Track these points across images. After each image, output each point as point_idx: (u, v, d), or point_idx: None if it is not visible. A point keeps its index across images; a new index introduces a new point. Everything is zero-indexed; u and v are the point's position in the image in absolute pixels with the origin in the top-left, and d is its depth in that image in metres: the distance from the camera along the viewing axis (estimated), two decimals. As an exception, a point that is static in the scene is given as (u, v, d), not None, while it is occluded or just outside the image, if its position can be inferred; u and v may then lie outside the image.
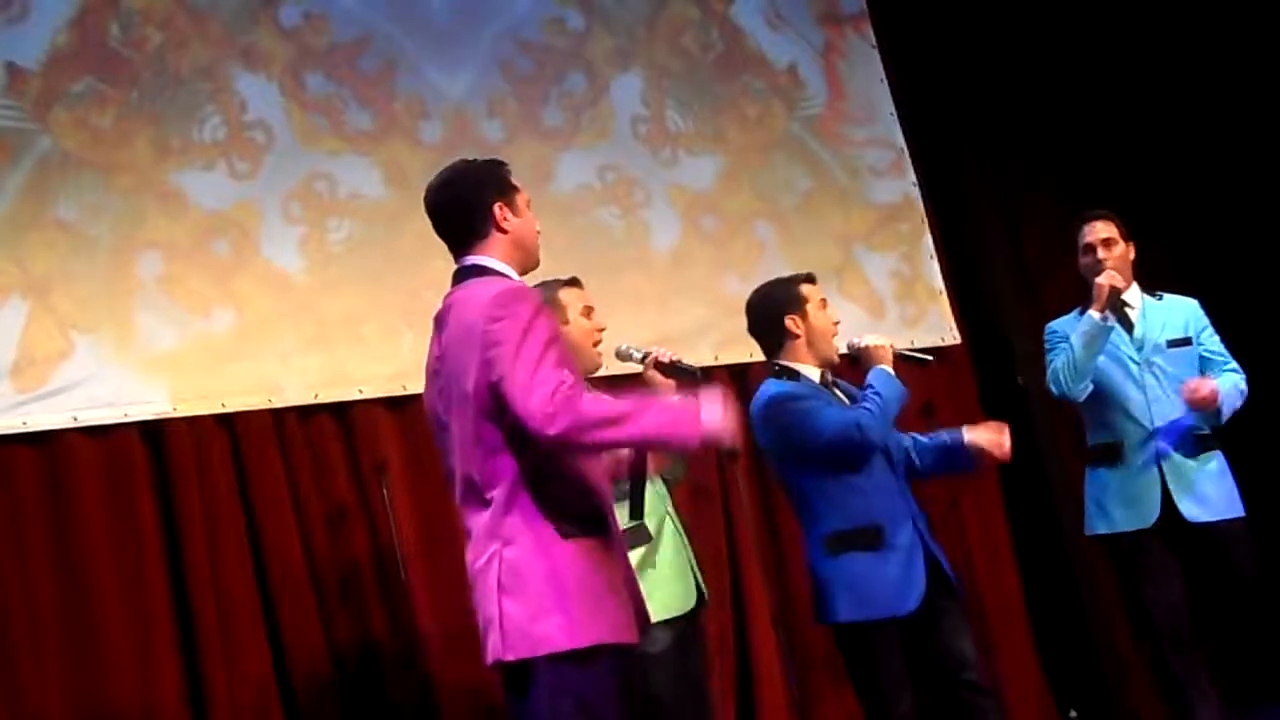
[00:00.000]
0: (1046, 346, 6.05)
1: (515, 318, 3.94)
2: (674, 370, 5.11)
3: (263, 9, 6.63)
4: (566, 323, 5.02)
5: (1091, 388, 5.90)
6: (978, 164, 7.97)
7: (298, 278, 6.39)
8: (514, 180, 4.27)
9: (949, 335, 7.70)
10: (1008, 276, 7.81)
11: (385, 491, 6.16)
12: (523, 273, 4.25)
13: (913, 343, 7.27)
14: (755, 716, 6.75)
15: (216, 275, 6.25)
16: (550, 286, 5.11)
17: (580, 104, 7.18)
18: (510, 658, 3.90)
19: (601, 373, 5.30)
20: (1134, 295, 6.03)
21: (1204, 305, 6.12)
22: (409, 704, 6.10)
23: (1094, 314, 5.82)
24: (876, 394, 5.20)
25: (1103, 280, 5.83)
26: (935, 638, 5.30)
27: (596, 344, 5.17)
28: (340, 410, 6.34)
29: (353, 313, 6.44)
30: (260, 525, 6.09)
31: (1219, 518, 5.82)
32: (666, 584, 5.12)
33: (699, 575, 5.33)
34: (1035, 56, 8.17)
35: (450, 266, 4.25)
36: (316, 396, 6.29)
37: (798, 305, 5.36)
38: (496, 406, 3.93)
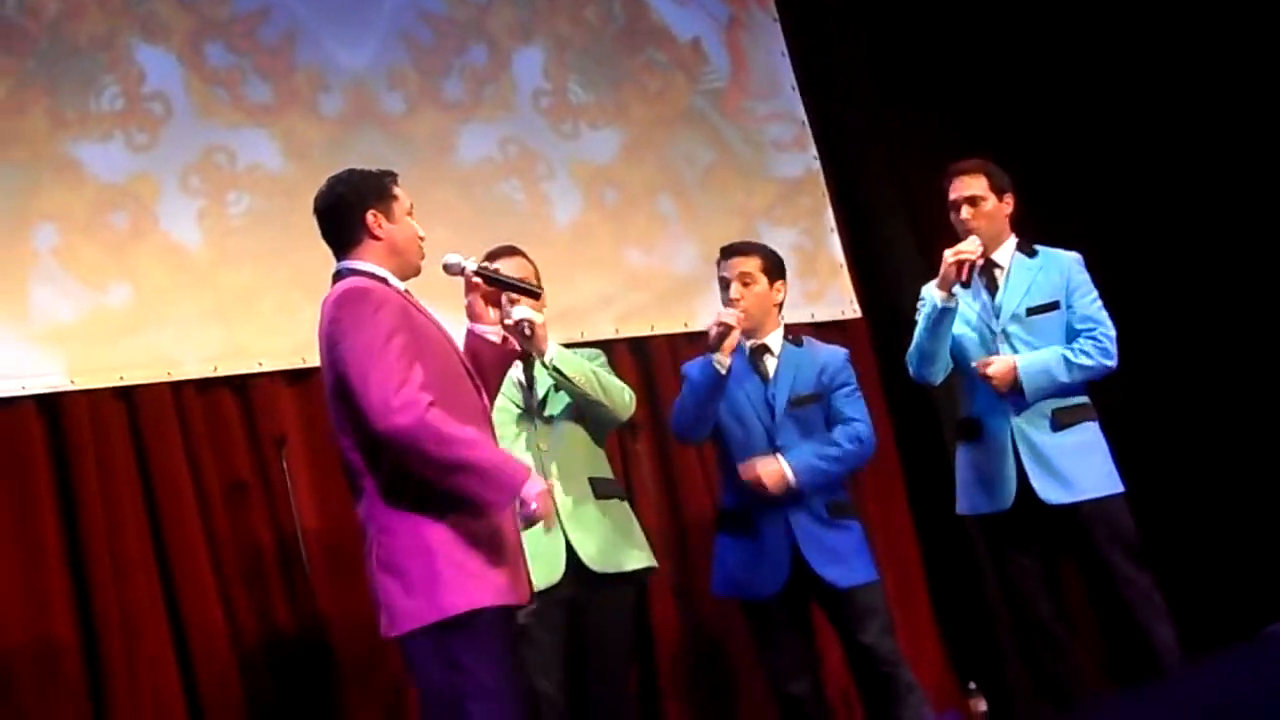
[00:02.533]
0: (917, 317, 5.65)
1: (354, 315, 4.11)
2: (511, 287, 4.66)
3: (163, -22, 6.55)
4: None
5: (949, 368, 5.64)
6: (878, 137, 7.98)
7: (196, 251, 6.34)
8: (397, 190, 4.38)
9: (849, 309, 7.70)
10: (906, 249, 7.81)
11: (284, 465, 6.14)
12: (402, 277, 4.38)
13: (813, 316, 7.32)
14: (657, 683, 6.74)
15: (114, 248, 6.20)
16: None
17: (482, 76, 7.13)
18: (394, 634, 4.11)
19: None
20: (1005, 253, 5.66)
21: (1087, 259, 5.71)
22: (308, 679, 6.09)
23: (936, 296, 5.45)
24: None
25: (949, 257, 5.39)
26: (842, 628, 5.48)
27: None
28: (239, 384, 6.31)
29: (251, 286, 6.40)
30: (159, 499, 6.05)
31: (1081, 498, 5.46)
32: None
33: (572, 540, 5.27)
34: (938, 25, 8.16)
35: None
36: (215, 369, 6.25)
37: None
38: (347, 401, 4.09)
